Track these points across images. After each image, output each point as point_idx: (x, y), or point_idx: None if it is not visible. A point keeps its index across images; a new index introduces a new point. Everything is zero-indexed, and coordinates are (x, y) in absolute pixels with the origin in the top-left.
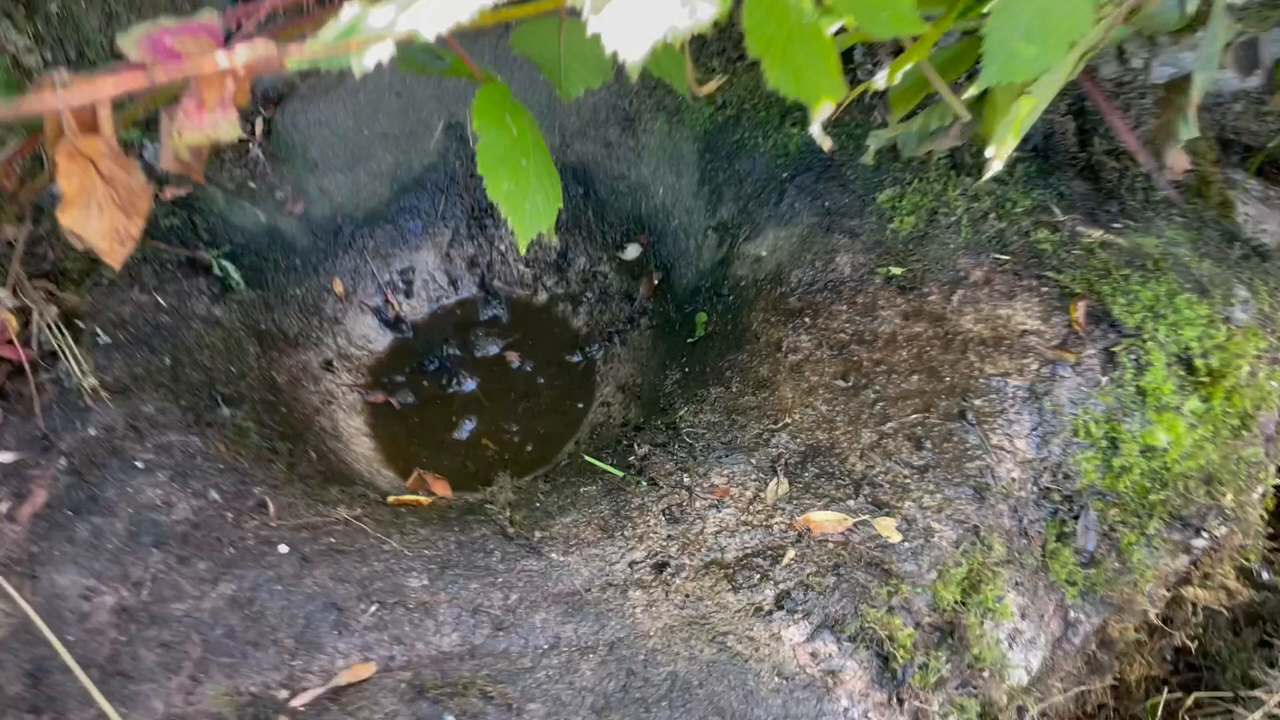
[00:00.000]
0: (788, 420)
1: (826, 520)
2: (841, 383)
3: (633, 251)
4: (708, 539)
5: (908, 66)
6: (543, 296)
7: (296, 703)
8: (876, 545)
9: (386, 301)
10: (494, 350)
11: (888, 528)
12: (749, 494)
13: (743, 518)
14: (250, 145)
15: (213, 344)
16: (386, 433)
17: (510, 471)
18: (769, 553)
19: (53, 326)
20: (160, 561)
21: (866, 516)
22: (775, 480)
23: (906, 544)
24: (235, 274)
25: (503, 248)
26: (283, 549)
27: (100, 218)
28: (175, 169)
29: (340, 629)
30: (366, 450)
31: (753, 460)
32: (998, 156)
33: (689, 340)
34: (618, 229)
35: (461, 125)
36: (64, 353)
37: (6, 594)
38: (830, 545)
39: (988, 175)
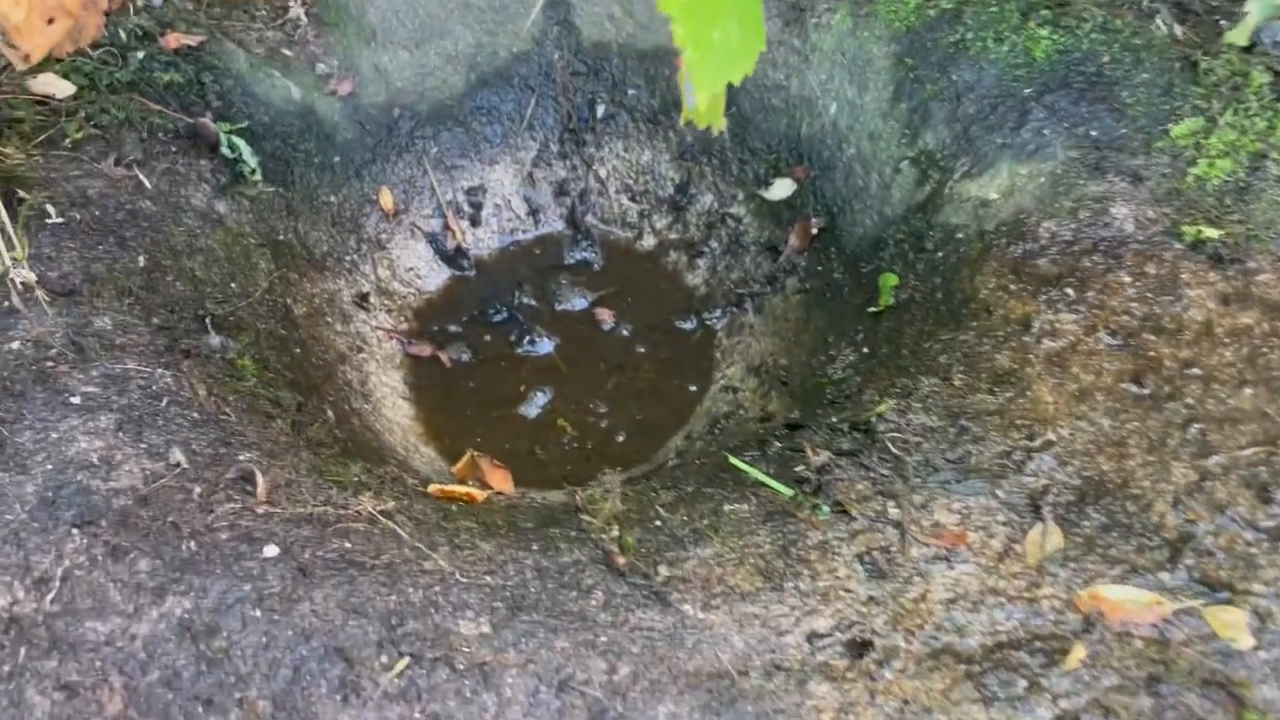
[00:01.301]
0: (1051, 436)
1: (1128, 601)
2: (1133, 388)
3: (782, 189)
4: (935, 610)
5: None
6: (649, 241)
7: None
8: (1215, 650)
9: (446, 227)
10: (581, 304)
11: (1231, 624)
12: (997, 544)
13: (990, 581)
14: (291, 4)
15: (209, 248)
16: (431, 397)
17: (618, 468)
18: (1039, 645)
19: None
20: (82, 551)
21: (1195, 602)
22: (1039, 527)
23: (1263, 654)
24: (250, 159)
25: (603, 173)
26: (270, 551)
27: None
28: None
29: (347, 692)
30: (403, 418)
31: (1000, 492)
32: None
33: (870, 310)
34: (763, 158)
35: (567, 3)
36: None
37: None
38: (1138, 644)
39: None
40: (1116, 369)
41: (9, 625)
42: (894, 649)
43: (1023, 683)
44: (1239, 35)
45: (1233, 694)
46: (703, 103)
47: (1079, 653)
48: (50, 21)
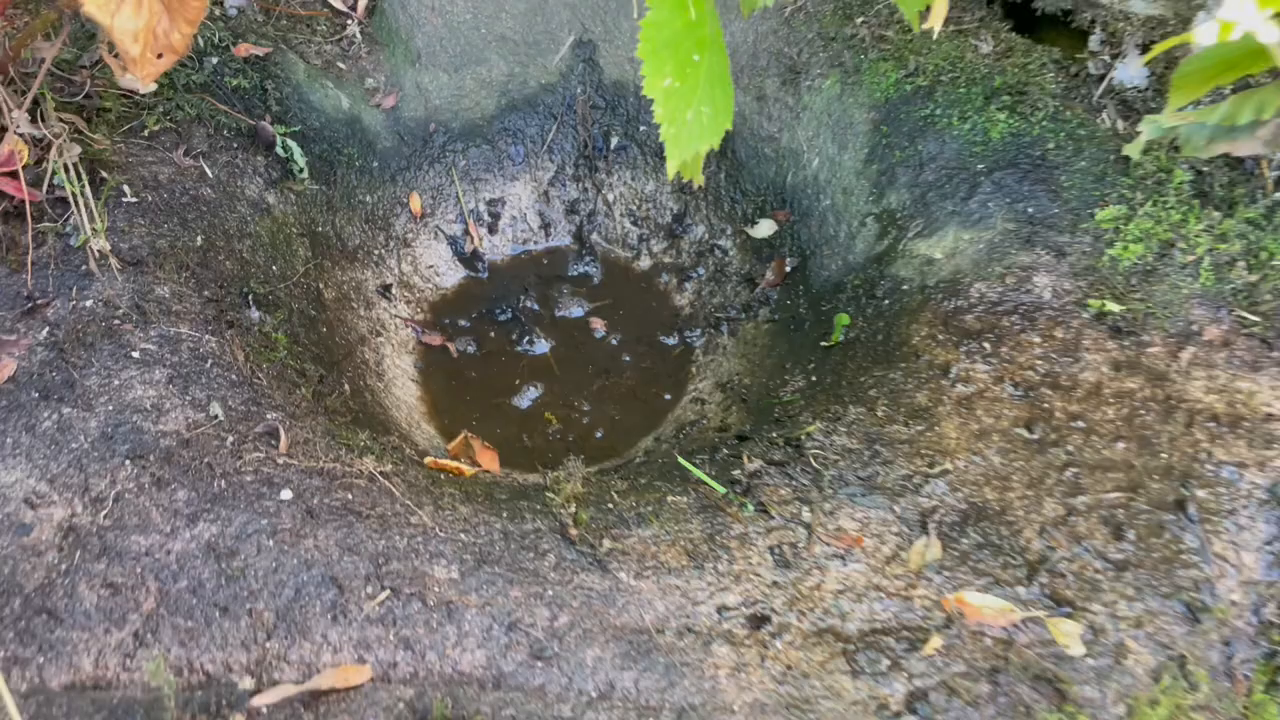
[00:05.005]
0: (948, 466)
1: (986, 607)
2: (1025, 432)
3: (765, 228)
4: (826, 597)
5: (1247, 25)
6: (645, 262)
7: (260, 700)
8: (1050, 654)
9: (466, 232)
10: (578, 312)
11: (1068, 634)
12: (887, 550)
13: (875, 579)
14: (349, 21)
15: (257, 234)
16: (437, 381)
17: (582, 457)
18: (906, 634)
19: (70, 169)
20: (132, 479)
21: (1040, 613)
22: (924, 539)
23: (1090, 660)
24: (300, 159)
25: (610, 197)
26: (286, 495)
27: (136, 11)
28: None
29: (337, 613)
30: (410, 397)
31: (897, 508)
32: None
33: (822, 344)
34: (752, 199)
35: (593, 44)
36: (77, 202)
37: None
38: (988, 641)
39: None
40: (1013, 415)
41: (69, 532)
42: (787, 625)
43: (886, 662)
44: (1134, 150)
45: (1058, 689)
46: (673, 170)
47: (936, 643)
48: (159, 56)
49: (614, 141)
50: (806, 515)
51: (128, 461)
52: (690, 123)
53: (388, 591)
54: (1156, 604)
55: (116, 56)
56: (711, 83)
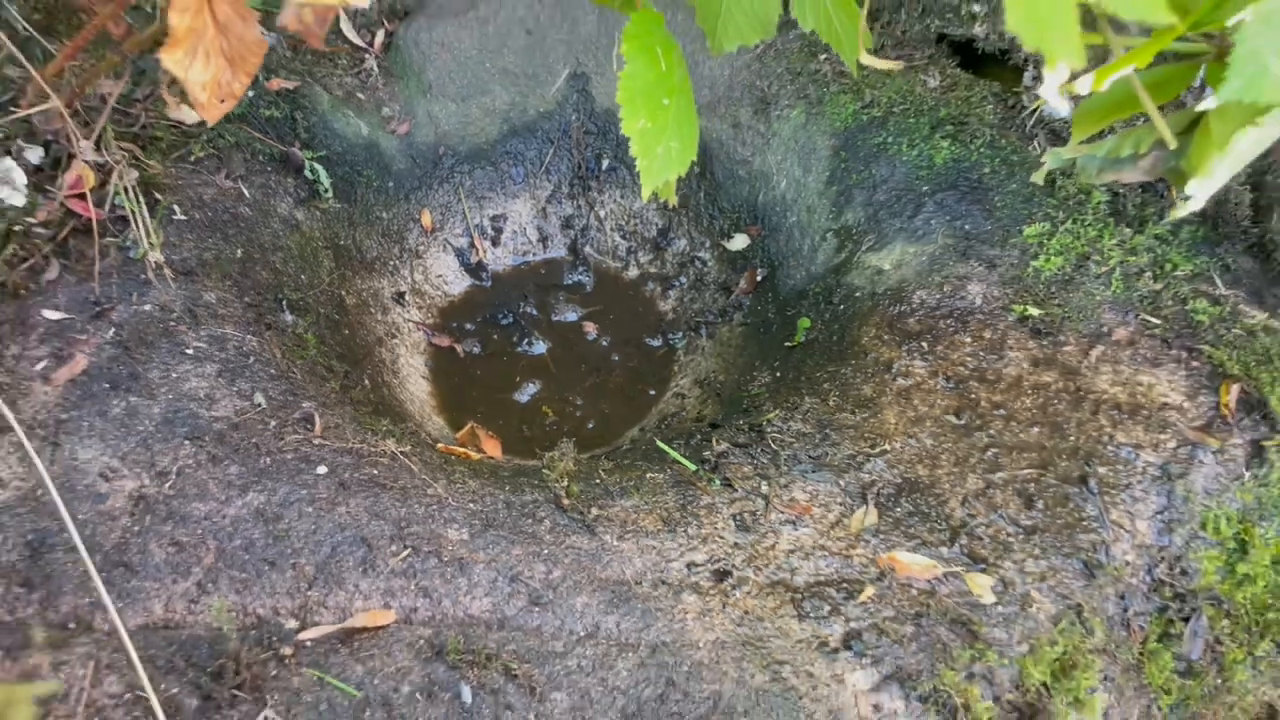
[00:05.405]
0: (887, 447)
1: (914, 563)
2: (953, 419)
3: (740, 242)
4: (779, 556)
5: (1118, 74)
6: (633, 272)
7: (304, 636)
8: (966, 602)
9: (472, 245)
10: (572, 317)
11: (982, 586)
12: (832, 517)
13: (821, 541)
14: (367, 56)
15: (288, 247)
16: (445, 378)
17: (575, 442)
18: (844, 585)
19: (129, 191)
20: (190, 456)
21: (959, 569)
22: (863, 508)
23: (1000, 608)
24: (326, 180)
25: (602, 214)
26: (321, 470)
27: (205, 65)
28: (295, 28)
29: (366, 567)
30: (421, 392)
31: (841, 482)
32: (1201, 193)
33: (786, 344)
34: (728, 216)
35: (587, 76)
36: (136, 220)
37: (23, 455)
38: (914, 591)
39: (1182, 212)
40: (945, 404)
41: (139, 501)
42: (745, 578)
43: (828, 608)
44: (1038, 177)
45: (971, 631)
46: (647, 194)
47: (870, 592)
48: (223, 101)
49: (605, 163)
50: (765, 488)
51: (187, 441)
52: (661, 156)
53: (409, 550)
54: (1059, 562)
55: (173, 94)
56: (679, 122)
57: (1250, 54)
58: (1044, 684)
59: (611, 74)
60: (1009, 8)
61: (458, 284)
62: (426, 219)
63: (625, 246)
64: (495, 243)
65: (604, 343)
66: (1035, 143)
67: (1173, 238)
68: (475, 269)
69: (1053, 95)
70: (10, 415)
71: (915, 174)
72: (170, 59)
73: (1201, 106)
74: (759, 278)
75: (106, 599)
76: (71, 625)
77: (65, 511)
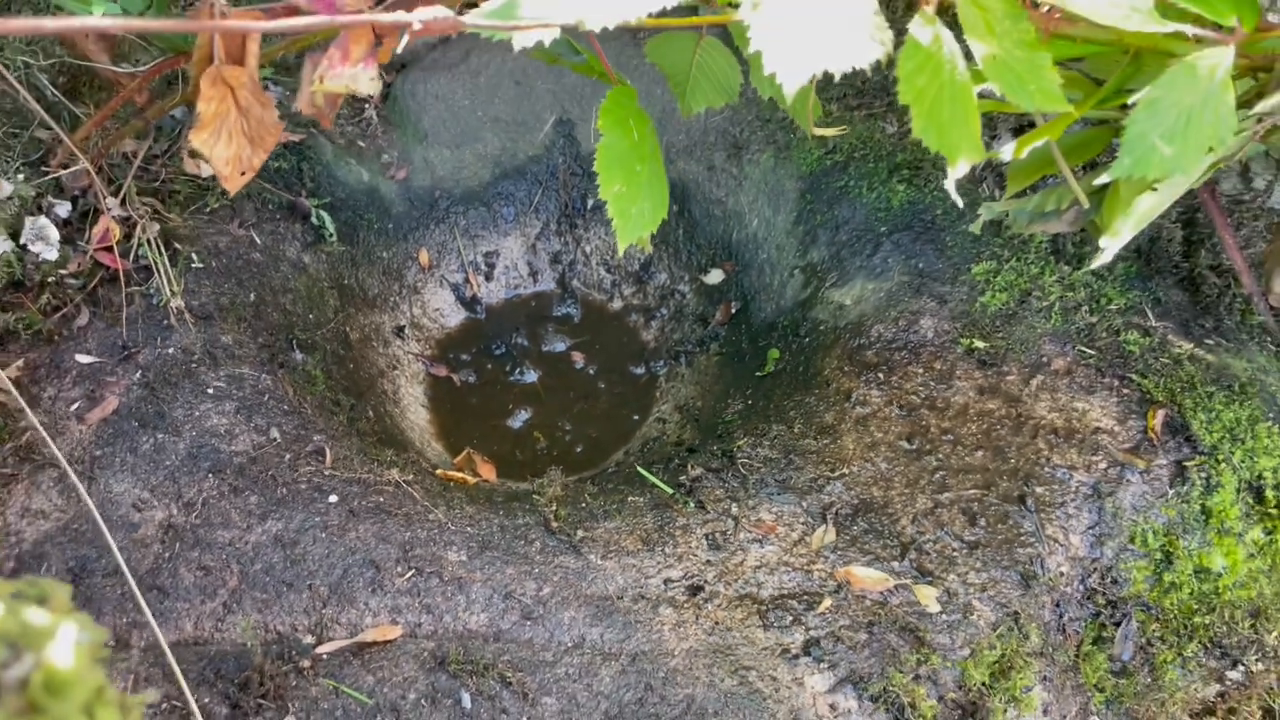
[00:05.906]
0: (845, 471)
1: (868, 577)
2: (905, 444)
3: (715, 276)
4: (746, 572)
5: (1036, 144)
6: (618, 304)
7: (321, 649)
8: (914, 611)
9: (466, 280)
10: (561, 347)
11: (928, 596)
12: (795, 536)
13: (785, 558)
14: (366, 106)
15: (296, 289)
16: (443, 407)
17: (562, 468)
18: (805, 597)
19: (152, 243)
20: (214, 488)
21: (909, 581)
22: (823, 528)
23: (944, 616)
24: (330, 225)
25: (588, 249)
26: (333, 499)
27: (228, 144)
28: (309, 112)
29: (375, 587)
30: (421, 420)
31: (804, 503)
32: (1111, 247)
33: (757, 374)
34: (705, 252)
35: (572, 123)
36: (158, 269)
37: (65, 489)
38: (867, 602)
39: (1096, 264)
40: (898, 431)
41: (169, 529)
42: (716, 592)
43: (790, 618)
44: (975, 228)
45: (918, 637)
46: (623, 249)
47: (828, 603)
48: (243, 174)
49: (590, 203)
50: (734, 510)
51: (210, 474)
52: (635, 216)
53: (413, 571)
54: (998, 574)
55: (195, 158)
56: (650, 186)
57: (1138, 136)
58: (984, 684)
59: (595, 119)
60: (914, 116)
61: (454, 317)
62: (424, 257)
63: (610, 280)
64: (489, 278)
65: (591, 371)
66: (983, 185)
67: (1108, 273)
68: (470, 303)
69: (954, 190)
70: (58, 452)
71: (874, 215)
72: (198, 140)
73: (1101, 180)
74: (733, 310)
75: (150, 617)
76: (111, 643)
77: (111, 540)
